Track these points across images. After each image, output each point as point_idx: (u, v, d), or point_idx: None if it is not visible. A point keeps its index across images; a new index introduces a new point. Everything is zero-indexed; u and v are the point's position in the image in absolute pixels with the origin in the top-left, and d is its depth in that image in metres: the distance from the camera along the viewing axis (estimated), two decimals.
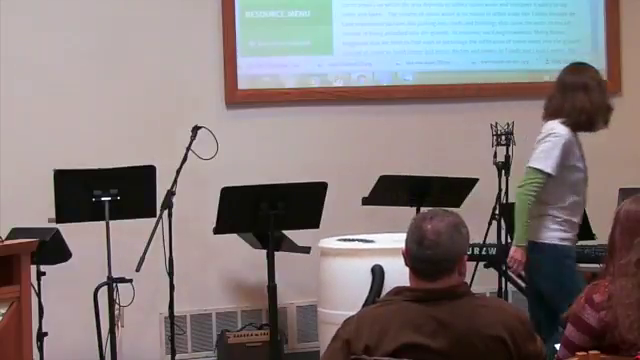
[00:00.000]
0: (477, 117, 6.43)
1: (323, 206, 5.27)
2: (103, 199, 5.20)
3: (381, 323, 3.06)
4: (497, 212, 5.74)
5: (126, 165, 5.33)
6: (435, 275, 3.10)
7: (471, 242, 5.86)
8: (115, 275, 5.20)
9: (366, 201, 5.86)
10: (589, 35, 6.92)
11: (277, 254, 5.28)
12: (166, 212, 5.32)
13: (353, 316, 3.16)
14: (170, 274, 5.39)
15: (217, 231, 5.26)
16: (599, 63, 6.90)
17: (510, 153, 5.75)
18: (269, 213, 5.12)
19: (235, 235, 5.72)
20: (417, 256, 3.11)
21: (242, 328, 6.29)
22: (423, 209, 5.51)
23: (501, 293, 5.67)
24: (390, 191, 5.86)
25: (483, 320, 3.09)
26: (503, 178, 5.74)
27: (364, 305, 4.79)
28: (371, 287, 5.10)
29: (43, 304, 5.19)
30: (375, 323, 3.06)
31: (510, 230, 5.69)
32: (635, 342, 3.16)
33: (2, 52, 6.00)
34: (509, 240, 5.74)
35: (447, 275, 3.10)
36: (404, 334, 3.02)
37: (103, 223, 5.20)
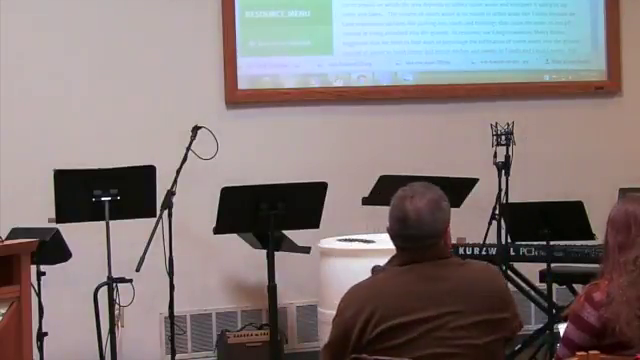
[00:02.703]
0: (477, 117, 6.42)
1: (323, 206, 5.27)
2: (103, 199, 5.20)
3: (375, 293, 3.19)
4: (497, 212, 5.74)
5: (126, 165, 5.33)
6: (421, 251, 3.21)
7: (471, 242, 5.96)
8: (115, 275, 5.19)
9: (366, 201, 5.86)
10: (589, 35, 6.91)
11: (277, 254, 5.28)
12: (166, 212, 5.32)
13: (347, 297, 3.29)
14: (170, 274, 5.38)
15: (217, 231, 5.25)
16: (599, 63, 6.92)
17: (510, 153, 5.74)
18: (269, 213, 5.11)
19: (235, 235, 5.71)
20: (401, 235, 3.24)
21: (242, 328, 6.28)
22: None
23: None
24: (390, 191, 5.81)
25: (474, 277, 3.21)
26: (503, 178, 5.74)
27: None
28: None
29: (43, 304, 5.18)
30: (371, 297, 3.19)
31: (510, 230, 5.70)
32: (634, 339, 3.17)
33: (2, 51, 6.00)
34: (509, 240, 5.76)
35: (432, 249, 3.22)
36: (396, 302, 3.13)
37: (103, 223, 5.20)
